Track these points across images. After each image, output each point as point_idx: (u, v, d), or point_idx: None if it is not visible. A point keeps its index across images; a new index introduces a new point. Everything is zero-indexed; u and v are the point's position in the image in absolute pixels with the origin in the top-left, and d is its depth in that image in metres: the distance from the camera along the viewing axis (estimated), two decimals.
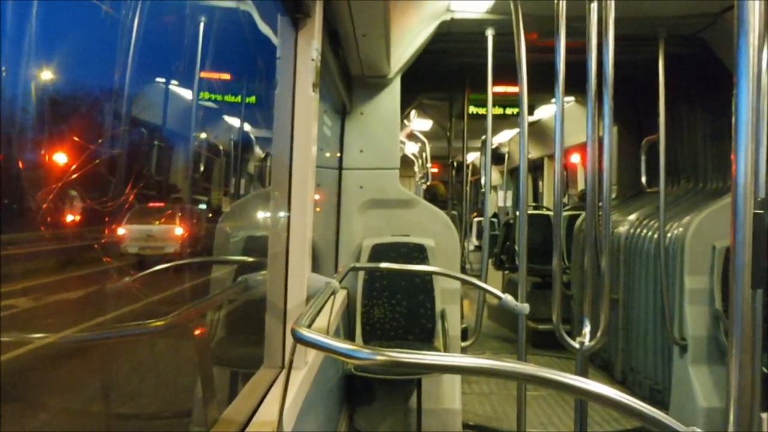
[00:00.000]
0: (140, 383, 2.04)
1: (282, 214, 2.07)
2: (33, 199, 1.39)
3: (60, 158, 1.54)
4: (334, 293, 1.99)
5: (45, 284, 1.56)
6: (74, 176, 1.48)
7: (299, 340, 1.21)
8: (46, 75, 1.46)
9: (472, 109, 6.46)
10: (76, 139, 1.59)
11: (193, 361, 2.21)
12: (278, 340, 1.98)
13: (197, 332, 2.14)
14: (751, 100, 1.23)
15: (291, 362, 1.47)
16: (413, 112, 8.15)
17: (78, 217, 1.66)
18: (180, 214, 3.01)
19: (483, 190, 5.10)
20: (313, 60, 2.04)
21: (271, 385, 1.83)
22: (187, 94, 2.84)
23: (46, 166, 1.50)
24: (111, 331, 1.66)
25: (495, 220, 10.17)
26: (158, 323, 1.74)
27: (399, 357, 1.09)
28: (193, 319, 2.13)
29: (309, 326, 1.30)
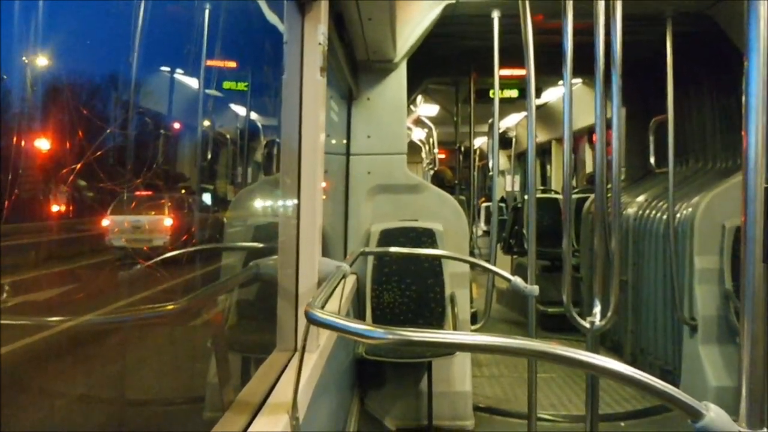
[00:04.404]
0: (153, 368, 2.07)
1: (291, 199, 2.08)
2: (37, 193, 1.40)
3: (63, 148, 1.54)
4: (344, 277, 2.00)
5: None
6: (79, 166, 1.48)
7: (313, 321, 1.22)
8: (47, 62, 1.46)
9: (479, 93, 6.44)
10: (78, 128, 1.59)
11: (207, 345, 2.23)
12: (290, 324, 2.00)
13: (210, 316, 2.16)
14: (762, 76, 1.23)
15: (304, 344, 1.49)
16: (419, 98, 8.13)
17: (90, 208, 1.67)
18: (190, 202, 3.01)
19: (491, 174, 5.10)
20: (320, 44, 2.04)
21: (284, 368, 1.85)
22: (192, 82, 2.85)
23: (49, 157, 1.50)
24: (120, 316, 1.68)
25: (503, 204, 10.16)
26: (171, 307, 1.75)
27: (411, 336, 1.10)
28: (206, 303, 2.15)
29: (321, 308, 1.31)
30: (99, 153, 1.57)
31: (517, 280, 2.78)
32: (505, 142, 11.21)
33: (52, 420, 1.38)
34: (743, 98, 1.25)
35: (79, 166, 1.47)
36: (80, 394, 1.58)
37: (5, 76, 1.34)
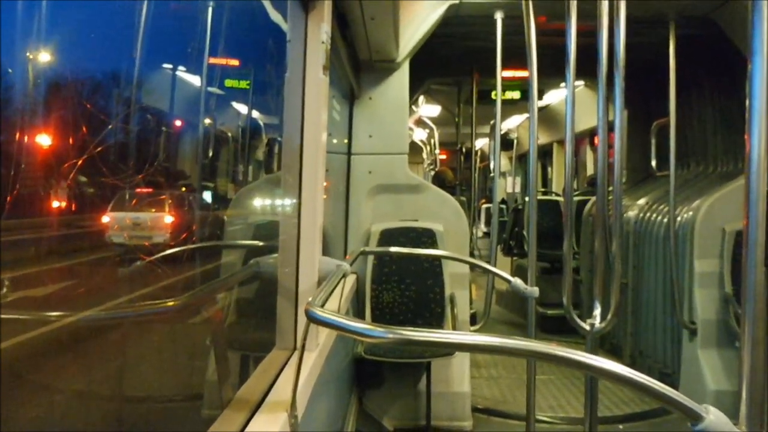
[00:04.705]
0: (152, 365, 2.06)
1: (292, 197, 2.08)
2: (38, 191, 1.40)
3: (67, 146, 1.54)
4: (345, 276, 2.00)
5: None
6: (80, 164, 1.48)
7: (312, 319, 1.22)
8: (50, 58, 1.46)
9: (481, 94, 6.44)
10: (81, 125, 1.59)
11: (206, 343, 2.23)
12: (290, 322, 2.00)
13: (210, 314, 2.16)
14: (765, 81, 1.23)
15: (304, 343, 1.49)
16: (421, 98, 8.13)
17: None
18: (190, 200, 3.01)
19: (492, 175, 5.10)
20: (323, 43, 2.03)
21: (284, 367, 1.85)
22: (195, 80, 2.84)
23: (52, 155, 1.49)
24: (118, 312, 1.67)
25: (503, 206, 10.16)
26: (170, 304, 1.75)
27: (411, 335, 1.10)
28: (206, 300, 2.14)
29: (321, 307, 1.31)
30: (101, 150, 1.57)
31: (517, 281, 2.77)
32: (506, 143, 11.21)
33: (51, 415, 1.37)
34: (746, 101, 1.25)
35: (80, 162, 1.47)
36: (78, 389, 1.57)
37: (10, 70, 1.34)
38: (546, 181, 10.92)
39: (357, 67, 4.21)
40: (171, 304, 1.76)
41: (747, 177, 1.22)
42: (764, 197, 1.19)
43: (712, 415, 0.97)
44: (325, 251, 2.20)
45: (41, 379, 1.38)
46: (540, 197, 7.54)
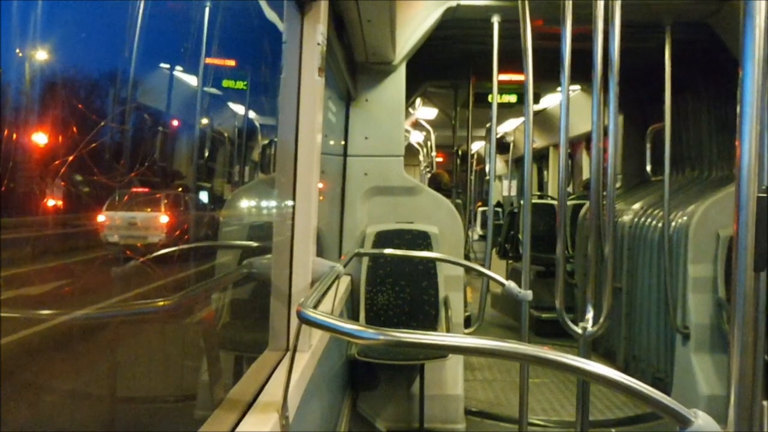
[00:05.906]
0: (142, 366, 2.06)
1: (287, 199, 2.08)
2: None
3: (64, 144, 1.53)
4: (338, 277, 2.01)
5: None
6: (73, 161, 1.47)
7: (304, 320, 1.22)
8: (45, 56, 1.45)
9: (478, 97, 6.45)
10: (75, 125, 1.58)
11: (197, 343, 2.23)
12: (283, 323, 2.00)
13: (202, 314, 2.16)
14: (756, 86, 1.24)
15: (296, 344, 1.49)
16: (418, 101, 8.14)
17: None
18: (186, 200, 3.01)
19: (488, 179, 5.11)
20: (318, 44, 2.04)
21: (276, 368, 1.85)
22: (191, 80, 2.84)
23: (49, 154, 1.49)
24: (109, 312, 1.67)
25: (499, 209, 10.18)
26: (161, 304, 1.75)
27: (401, 337, 1.11)
28: (198, 301, 2.14)
29: (314, 308, 1.31)
30: (96, 149, 1.57)
31: (511, 284, 2.78)
32: (502, 146, 11.23)
33: (38, 415, 1.37)
34: (737, 107, 1.26)
35: (75, 161, 1.47)
36: (65, 389, 1.57)
37: (1, 69, 1.34)
38: (542, 185, 10.94)
39: (353, 68, 4.22)
40: (163, 303, 1.76)
41: (737, 182, 1.23)
42: (754, 202, 1.20)
43: (701, 419, 0.98)
44: (320, 253, 2.20)
45: (28, 379, 1.38)
46: (535, 201, 7.57)
